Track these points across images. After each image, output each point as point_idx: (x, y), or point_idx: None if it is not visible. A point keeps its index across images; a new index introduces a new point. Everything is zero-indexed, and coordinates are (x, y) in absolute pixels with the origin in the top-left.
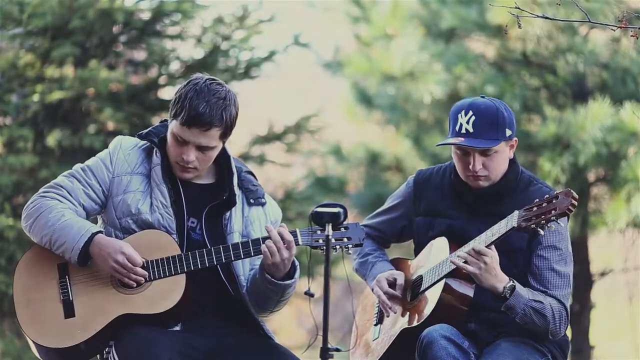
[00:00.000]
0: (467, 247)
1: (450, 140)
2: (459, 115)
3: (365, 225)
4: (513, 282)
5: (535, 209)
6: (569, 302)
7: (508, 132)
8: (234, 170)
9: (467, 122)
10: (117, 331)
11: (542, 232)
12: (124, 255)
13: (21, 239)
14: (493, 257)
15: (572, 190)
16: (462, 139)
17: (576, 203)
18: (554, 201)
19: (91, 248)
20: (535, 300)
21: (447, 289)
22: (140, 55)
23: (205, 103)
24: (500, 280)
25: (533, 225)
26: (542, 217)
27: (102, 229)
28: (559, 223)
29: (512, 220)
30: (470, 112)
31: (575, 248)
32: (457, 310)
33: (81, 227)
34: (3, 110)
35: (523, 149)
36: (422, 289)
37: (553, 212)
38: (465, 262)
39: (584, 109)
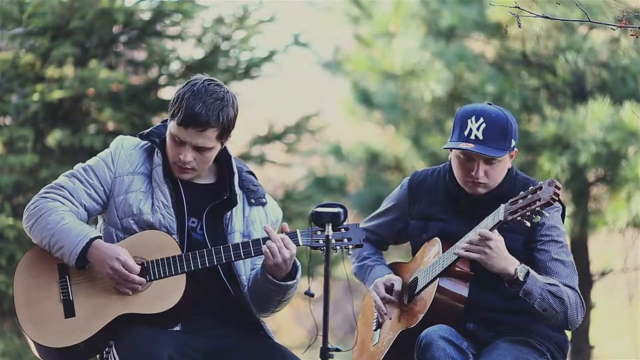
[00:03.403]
0: (468, 237)
1: (461, 145)
2: (469, 121)
3: (362, 229)
4: (525, 266)
5: (520, 201)
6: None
7: (513, 143)
8: (235, 170)
9: (478, 129)
10: (117, 331)
11: (528, 224)
12: (119, 261)
13: (21, 239)
14: (498, 240)
15: (555, 180)
16: (472, 145)
17: (559, 191)
18: (538, 192)
19: (89, 253)
20: (550, 284)
21: (440, 289)
22: (140, 55)
23: (202, 103)
24: (511, 263)
25: (519, 218)
26: (528, 208)
27: (101, 234)
28: (545, 214)
29: (498, 214)
30: (482, 119)
31: (575, 248)
32: (454, 309)
33: (80, 232)
34: (3, 110)
35: (523, 148)
36: (417, 290)
37: (538, 202)
38: (469, 251)
39: (584, 109)
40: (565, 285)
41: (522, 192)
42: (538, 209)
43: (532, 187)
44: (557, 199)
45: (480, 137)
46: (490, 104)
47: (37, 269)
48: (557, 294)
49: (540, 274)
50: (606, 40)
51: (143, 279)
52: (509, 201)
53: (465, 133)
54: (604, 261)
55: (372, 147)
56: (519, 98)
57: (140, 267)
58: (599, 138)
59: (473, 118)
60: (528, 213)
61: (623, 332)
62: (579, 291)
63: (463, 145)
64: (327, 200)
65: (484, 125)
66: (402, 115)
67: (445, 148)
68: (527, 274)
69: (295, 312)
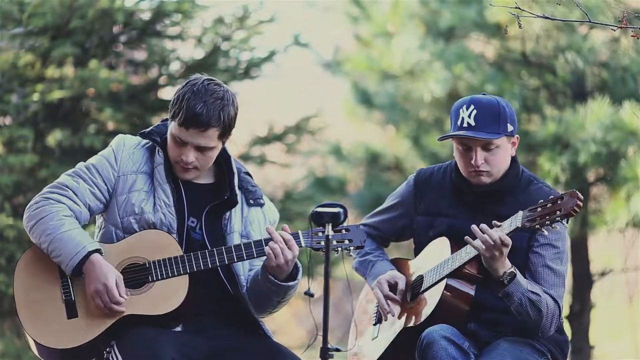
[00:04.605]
0: (491, 233)
1: (452, 133)
2: (461, 110)
3: (364, 224)
4: (515, 269)
5: (539, 209)
6: (562, 303)
7: (510, 128)
8: (235, 170)
9: (469, 116)
10: (119, 331)
11: (545, 233)
12: (106, 287)
13: (21, 239)
14: (509, 246)
15: (577, 192)
16: (464, 132)
17: (581, 204)
18: (559, 202)
19: (84, 267)
20: (532, 292)
21: (448, 288)
22: (140, 55)
23: (203, 103)
24: (504, 266)
25: (537, 226)
26: (547, 217)
27: (100, 247)
28: (563, 224)
29: (516, 220)
30: (472, 107)
31: (575, 248)
32: (459, 310)
33: (78, 243)
34: (3, 110)
35: (523, 148)
36: (422, 288)
37: (558, 212)
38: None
39: (584, 109)
40: (548, 294)
41: (542, 201)
42: (558, 219)
43: (552, 197)
44: (578, 211)
45: (473, 124)
46: (484, 94)
47: (38, 269)
48: (537, 304)
49: (527, 277)
50: (606, 40)
51: (123, 309)
52: (528, 208)
53: (459, 123)
54: (604, 261)
55: (372, 147)
56: (519, 98)
57: (125, 300)
58: (598, 138)
59: (464, 107)
60: (547, 222)
61: (623, 332)
62: (560, 303)
63: (457, 133)
64: (327, 201)
65: (475, 111)
66: (402, 115)
67: (439, 139)
68: (513, 278)
69: (295, 312)
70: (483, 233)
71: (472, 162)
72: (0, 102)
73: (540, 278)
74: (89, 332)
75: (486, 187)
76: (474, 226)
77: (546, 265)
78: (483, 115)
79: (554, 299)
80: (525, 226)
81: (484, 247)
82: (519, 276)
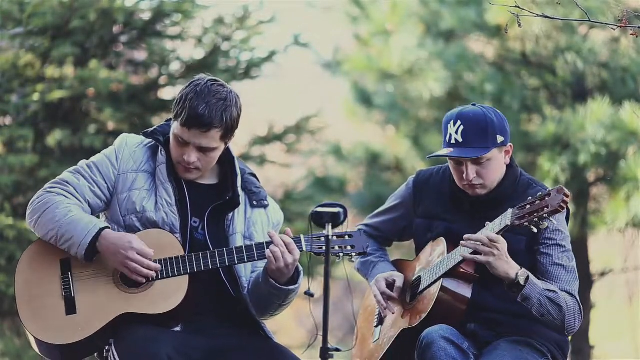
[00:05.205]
0: (476, 237)
1: (439, 152)
2: (449, 126)
3: (366, 225)
4: (526, 271)
5: (528, 206)
6: (579, 297)
7: (500, 139)
8: (238, 171)
9: (456, 132)
10: (118, 329)
11: (535, 230)
12: (134, 250)
13: (21, 239)
14: (504, 243)
15: (563, 187)
16: (452, 149)
17: (568, 200)
18: (546, 199)
19: (98, 243)
20: (549, 290)
21: (444, 289)
22: (140, 55)
23: (205, 104)
24: (513, 267)
25: (526, 224)
26: (535, 214)
27: (109, 225)
28: (551, 221)
29: (505, 218)
30: (459, 122)
31: (575, 248)
32: (456, 310)
33: (89, 222)
34: (3, 110)
35: (522, 148)
36: (420, 289)
37: (546, 209)
38: (475, 252)
39: (584, 109)
40: (564, 291)
41: (530, 198)
42: (545, 215)
43: (540, 194)
44: (565, 206)
45: (460, 140)
46: (474, 105)
47: (39, 265)
48: (556, 301)
49: (540, 278)
50: (606, 41)
51: (158, 265)
52: (517, 206)
53: (447, 139)
54: (604, 261)
55: (372, 147)
56: (519, 98)
57: (154, 250)
58: (598, 138)
59: (452, 122)
60: (535, 219)
61: (623, 332)
62: (578, 298)
63: (444, 151)
64: (327, 201)
65: (461, 127)
66: (402, 115)
67: (428, 157)
68: (527, 278)
69: (295, 313)
70: (470, 240)
71: (464, 177)
72: (0, 102)
73: (552, 277)
74: (87, 329)
75: (482, 197)
76: (465, 236)
77: (555, 263)
78: (470, 130)
79: (570, 294)
80: (514, 224)
81: (477, 252)
82: (532, 276)
